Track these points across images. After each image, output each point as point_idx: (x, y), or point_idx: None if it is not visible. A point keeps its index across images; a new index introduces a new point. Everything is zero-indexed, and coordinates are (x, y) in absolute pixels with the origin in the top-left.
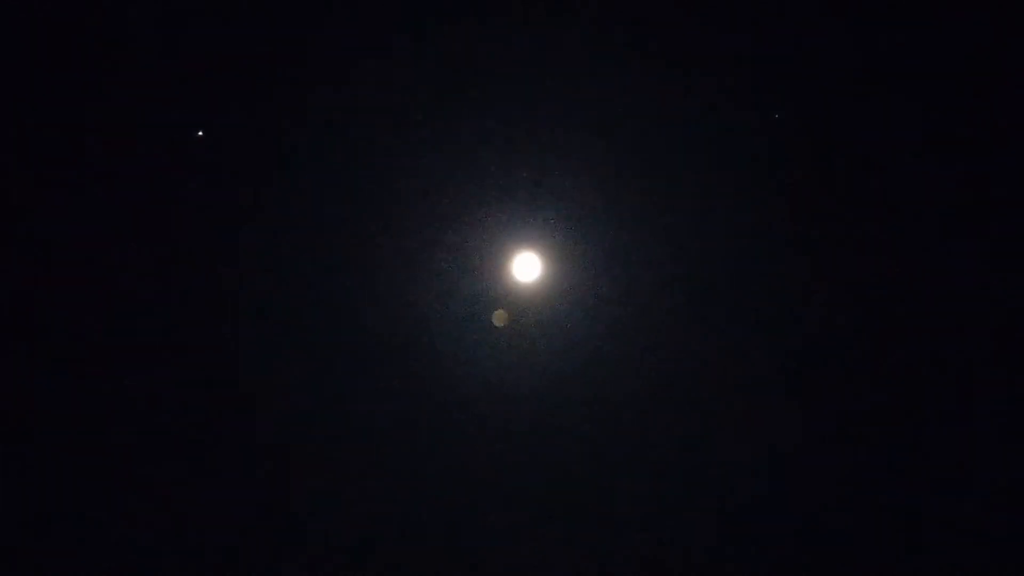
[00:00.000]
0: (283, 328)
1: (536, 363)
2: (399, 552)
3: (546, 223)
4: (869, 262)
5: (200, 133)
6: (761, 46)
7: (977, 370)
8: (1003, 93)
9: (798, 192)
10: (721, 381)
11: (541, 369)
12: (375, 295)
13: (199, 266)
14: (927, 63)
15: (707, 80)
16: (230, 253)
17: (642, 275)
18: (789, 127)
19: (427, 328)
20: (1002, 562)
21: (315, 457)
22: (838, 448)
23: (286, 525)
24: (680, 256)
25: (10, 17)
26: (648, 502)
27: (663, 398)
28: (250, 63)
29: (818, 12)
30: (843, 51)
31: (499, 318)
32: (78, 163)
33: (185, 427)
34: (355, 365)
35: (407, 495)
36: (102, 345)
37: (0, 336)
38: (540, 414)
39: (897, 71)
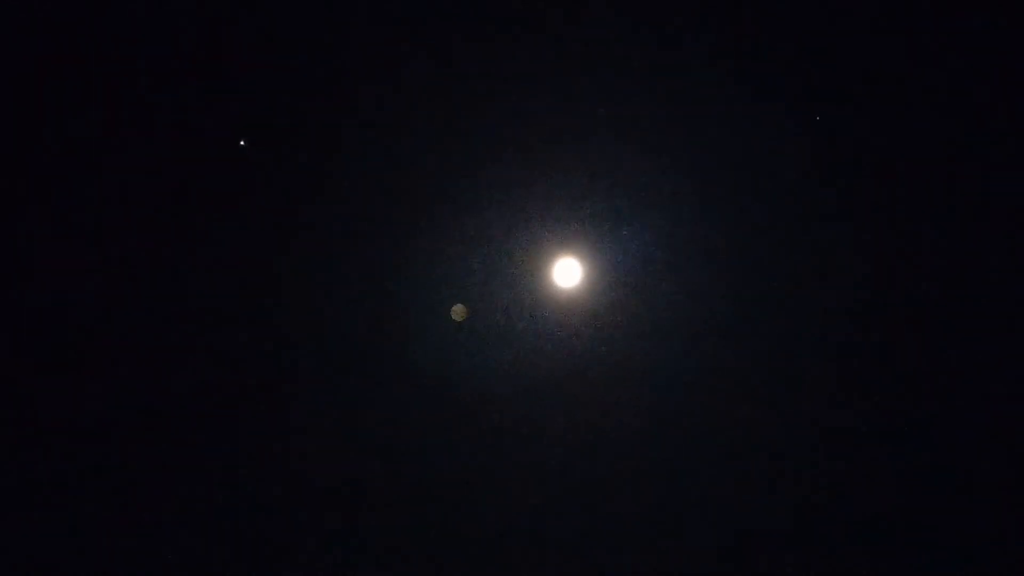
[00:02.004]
0: (318, 333)
1: (575, 366)
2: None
3: (586, 229)
4: (925, 266)
5: (242, 143)
6: (813, 51)
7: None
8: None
9: (848, 197)
10: (760, 389)
11: (580, 372)
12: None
13: (239, 265)
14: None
15: (754, 87)
16: (268, 255)
17: (682, 281)
18: (838, 131)
19: (465, 332)
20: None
21: (345, 456)
22: (874, 457)
23: (285, 525)
24: (719, 261)
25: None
26: (694, 508)
27: (705, 403)
28: (297, 66)
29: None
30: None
31: (458, 312)
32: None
33: (190, 427)
34: (389, 370)
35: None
36: (104, 344)
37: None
38: (576, 417)
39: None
